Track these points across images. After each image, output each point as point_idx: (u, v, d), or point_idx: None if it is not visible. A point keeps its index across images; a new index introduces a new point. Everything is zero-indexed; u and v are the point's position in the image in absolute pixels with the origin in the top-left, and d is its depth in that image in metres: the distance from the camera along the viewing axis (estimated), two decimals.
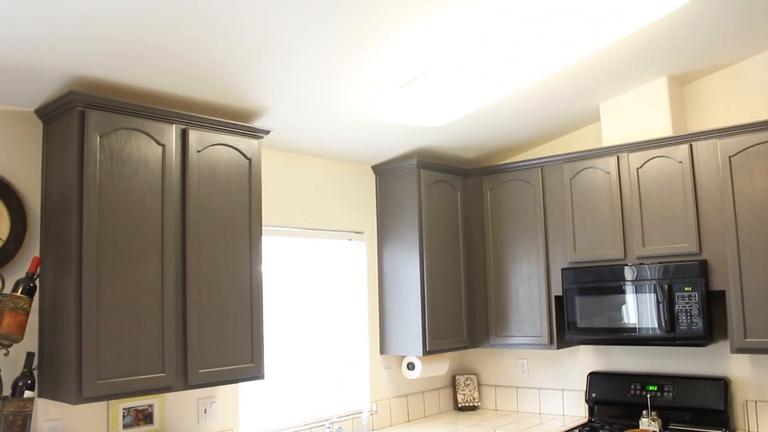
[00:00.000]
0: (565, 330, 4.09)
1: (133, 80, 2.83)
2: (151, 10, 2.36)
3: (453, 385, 4.90)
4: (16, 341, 2.58)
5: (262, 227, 3.64)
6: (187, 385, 2.96)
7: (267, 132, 3.34)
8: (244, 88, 3.08)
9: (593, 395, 4.26)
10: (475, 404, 4.80)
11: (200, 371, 3.00)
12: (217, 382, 3.07)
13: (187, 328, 2.97)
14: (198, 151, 3.07)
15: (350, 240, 4.30)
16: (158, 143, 2.93)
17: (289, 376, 3.88)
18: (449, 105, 3.59)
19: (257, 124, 3.46)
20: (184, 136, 3.04)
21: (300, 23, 2.60)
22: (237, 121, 3.28)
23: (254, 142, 3.30)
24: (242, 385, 3.60)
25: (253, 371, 3.21)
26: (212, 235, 3.09)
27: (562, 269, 4.13)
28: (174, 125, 2.99)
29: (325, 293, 4.15)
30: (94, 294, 2.68)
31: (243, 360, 3.17)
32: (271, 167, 3.84)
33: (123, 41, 2.52)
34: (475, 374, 4.91)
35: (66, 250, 2.71)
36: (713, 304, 3.79)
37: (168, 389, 2.89)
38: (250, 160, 3.27)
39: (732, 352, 3.57)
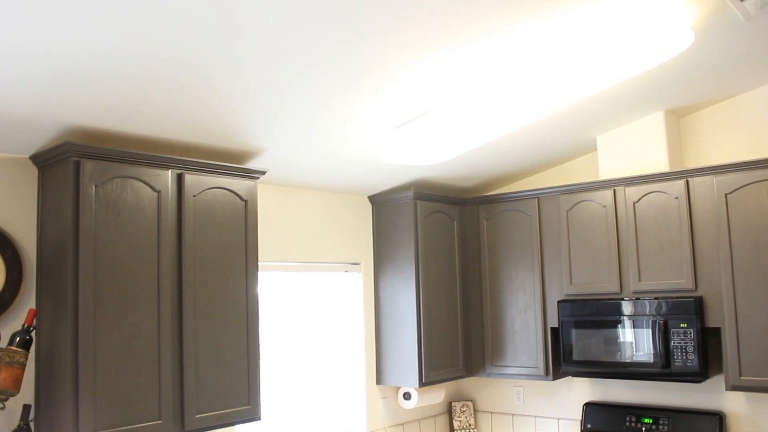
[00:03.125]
0: (561, 361, 4.10)
1: (128, 128, 2.83)
2: (142, 67, 2.36)
3: (449, 411, 4.91)
4: (12, 395, 2.58)
5: (259, 264, 3.65)
6: (184, 431, 2.96)
7: (263, 173, 3.33)
8: (238, 133, 3.08)
9: (588, 426, 4.27)
10: (471, 431, 4.81)
11: (197, 416, 3.00)
12: (214, 426, 3.07)
13: (183, 373, 2.97)
14: (194, 196, 3.07)
15: (347, 271, 4.30)
16: (154, 189, 2.93)
17: (286, 409, 3.88)
18: (446, 144, 3.58)
19: (253, 164, 3.46)
20: (179, 181, 3.03)
21: (290, 74, 2.61)
22: (233, 163, 3.28)
23: (250, 183, 3.30)
24: None
25: (250, 413, 3.21)
26: (208, 279, 3.09)
27: (558, 301, 4.14)
28: (170, 170, 2.99)
29: (322, 325, 4.15)
30: (91, 343, 2.67)
31: (239, 402, 3.17)
32: (267, 202, 3.84)
33: (116, 95, 2.52)
34: (472, 401, 4.92)
35: (62, 299, 2.71)
36: (709, 339, 3.80)
37: None
38: (246, 201, 3.27)
39: (727, 389, 3.58)
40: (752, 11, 2.87)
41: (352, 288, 4.35)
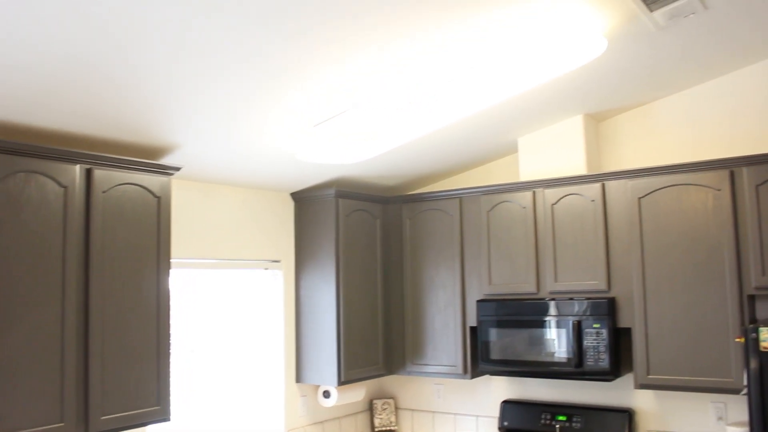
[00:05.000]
0: (479, 360, 4.15)
1: (33, 121, 2.73)
2: (47, 58, 2.27)
3: (370, 409, 4.92)
4: None
5: (175, 261, 3.60)
6: None
7: (177, 169, 3.26)
8: (154, 127, 3.00)
9: (505, 423, 4.34)
10: (392, 428, 4.83)
11: (102, 418, 2.92)
12: (121, 428, 3.00)
13: (89, 374, 2.88)
14: (103, 192, 2.98)
15: (266, 269, 4.25)
16: (60, 185, 2.83)
17: (202, 408, 3.83)
18: (365, 143, 3.58)
19: (167, 160, 3.38)
20: (88, 177, 2.94)
21: (215, 67, 2.55)
22: (146, 159, 3.20)
23: (164, 179, 3.22)
24: None
25: (159, 414, 3.15)
26: (117, 278, 3.01)
27: (477, 301, 4.18)
28: (78, 165, 2.89)
29: (240, 324, 4.11)
30: None
31: (148, 403, 3.11)
32: (185, 198, 3.76)
33: (20, 86, 2.42)
34: (393, 398, 4.94)
35: None
36: (621, 338, 3.89)
37: None
38: (159, 198, 3.19)
39: (636, 387, 3.68)
40: (662, 22, 2.95)
41: (272, 286, 4.30)
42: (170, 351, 3.21)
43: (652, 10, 2.82)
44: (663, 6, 2.80)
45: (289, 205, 4.42)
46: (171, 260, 3.29)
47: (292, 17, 2.29)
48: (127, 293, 3.05)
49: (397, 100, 3.17)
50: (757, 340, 3.01)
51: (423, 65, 2.89)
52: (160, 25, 2.18)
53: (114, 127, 2.94)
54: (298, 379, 4.34)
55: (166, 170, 3.23)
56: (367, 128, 3.41)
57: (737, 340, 3.38)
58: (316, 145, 3.53)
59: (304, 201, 4.40)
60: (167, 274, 3.21)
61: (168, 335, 3.20)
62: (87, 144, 3.05)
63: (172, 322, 3.24)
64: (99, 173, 2.97)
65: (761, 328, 3.01)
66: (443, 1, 2.39)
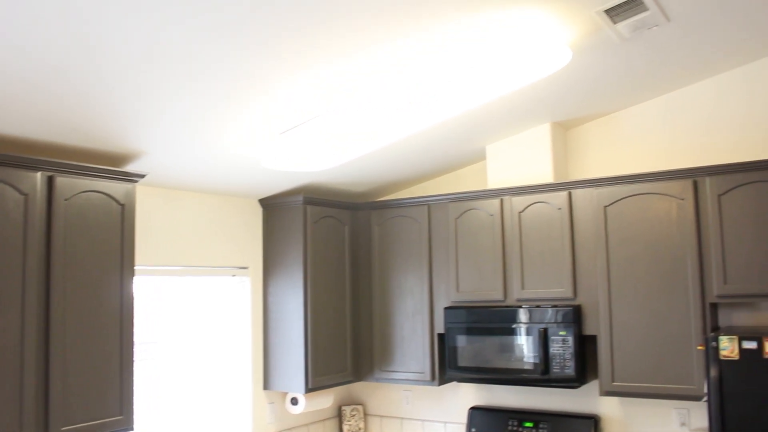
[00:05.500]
0: (447, 367, 4.16)
1: None
2: (9, 64, 2.24)
3: (339, 415, 4.91)
4: None
5: (141, 268, 3.57)
6: None
7: (142, 176, 3.23)
8: (120, 133, 2.97)
9: (473, 429, 4.35)
10: None
11: (63, 428, 2.88)
12: None
13: (49, 384, 2.84)
14: (65, 200, 2.95)
15: (234, 276, 4.23)
16: (20, 192, 2.79)
17: (168, 416, 3.80)
18: (331, 151, 3.57)
19: (132, 167, 3.35)
20: (50, 184, 2.90)
21: (182, 75, 2.53)
22: (110, 167, 3.17)
23: (128, 186, 3.19)
24: None
25: (122, 424, 3.11)
26: (79, 285, 2.98)
27: (445, 308, 4.19)
28: (39, 173, 2.86)
29: (208, 331, 4.08)
30: None
31: (111, 413, 3.07)
32: (148, 205, 3.73)
33: None
34: (362, 404, 4.93)
35: None
36: (587, 345, 3.93)
37: None
38: (123, 206, 3.16)
39: (601, 394, 3.72)
40: (626, 34, 2.98)
41: (240, 293, 4.28)
42: (134, 359, 3.18)
43: (615, 23, 2.85)
44: (626, 18, 2.83)
45: (258, 212, 4.40)
46: (136, 267, 3.27)
47: (258, 25, 2.28)
48: (90, 301, 3.02)
49: (365, 107, 3.17)
50: (717, 349, 3.06)
51: (396, 72, 2.89)
52: (128, 31, 2.16)
53: (79, 134, 2.90)
54: (266, 386, 4.32)
55: (130, 177, 3.20)
56: (335, 136, 3.40)
57: (699, 348, 3.42)
58: (283, 153, 3.52)
59: (273, 207, 4.38)
60: (131, 281, 3.18)
61: (132, 343, 3.17)
62: (51, 151, 3.01)
63: (136, 329, 3.21)
64: (61, 180, 2.94)
65: (721, 337, 3.05)
66: (409, 12, 2.40)
